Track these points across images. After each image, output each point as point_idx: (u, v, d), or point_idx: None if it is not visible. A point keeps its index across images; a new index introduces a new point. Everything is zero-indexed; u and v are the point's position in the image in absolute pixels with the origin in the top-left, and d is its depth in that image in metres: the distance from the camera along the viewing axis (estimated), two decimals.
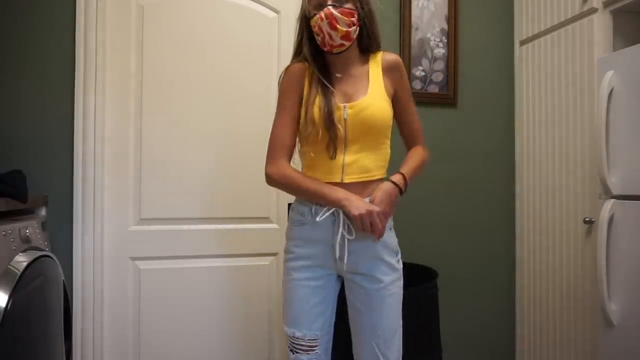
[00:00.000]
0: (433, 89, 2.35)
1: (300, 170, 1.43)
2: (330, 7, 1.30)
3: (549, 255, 2.26)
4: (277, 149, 1.40)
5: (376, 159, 1.39)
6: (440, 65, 2.36)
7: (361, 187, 1.36)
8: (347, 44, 1.34)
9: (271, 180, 1.41)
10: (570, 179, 2.13)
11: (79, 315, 1.87)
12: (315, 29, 1.33)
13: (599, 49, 1.98)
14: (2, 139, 1.81)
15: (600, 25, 1.98)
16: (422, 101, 2.33)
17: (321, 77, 1.36)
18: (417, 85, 2.33)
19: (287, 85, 1.42)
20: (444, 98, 2.37)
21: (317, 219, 1.34)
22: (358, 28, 1.36)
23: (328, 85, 1.36)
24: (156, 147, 2.01)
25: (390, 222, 1.41)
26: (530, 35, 2.38)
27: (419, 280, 1.97)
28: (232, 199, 2.09)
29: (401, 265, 1.42)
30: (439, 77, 2.36)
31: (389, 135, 1.42)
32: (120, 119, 1.97)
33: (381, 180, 1.40)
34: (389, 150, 1.43)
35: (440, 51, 2.36)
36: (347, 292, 1.42)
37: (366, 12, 1.38)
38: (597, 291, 1.87)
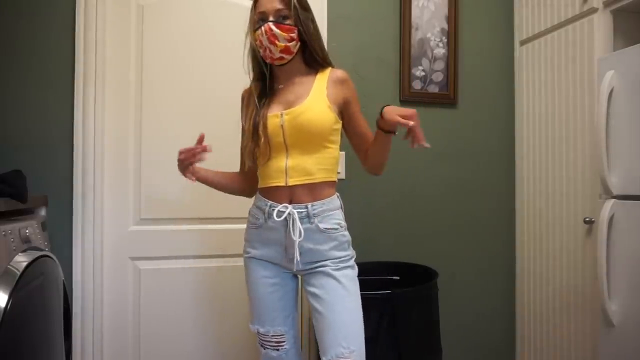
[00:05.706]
0: (433, 89, 2.35)
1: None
2: (270, 23, 1.36)
3: (549, 255, 2.26)
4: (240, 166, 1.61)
5: (317, 162, 1.40)
6: (440, 65, 2.36)
7: (306, 190, 1.39)
8: (287, 57, 1.40)
9: None
10: (570, 179, 2.13)
11: (79, 315, 1.87)
12: (257, 42, 1.40)
13: (599, 49, 1.97)
14: (2, 139, 1.81)
15: (600, 25, 1.98)
16: (422, 101, 2.34)
17: (255, 93, 1.46)
18: (417, 85, 2.33)
19: (242, 110, 1.55)
20: (444, 98, 2.37)
21: (270, 222, 1.40)
22: (299, 43, 1.41)
23: (262, 98, 1.45)
24: (156, 147, 2.01)
25: (343, 223, 1.44)
26: (530, 35, 2.38)
27: (419, 280, 1.97)
28: (232, 199, 2.07)
29: (353, 254, 1.44)
30: (439, 77, 2.36)
31: (334, 139, 1.43)
32: (120, 119, 1.97)
33: (327, 183, 1.42)
34: (336, 154, 1.44)
35: (440, 51, 2.36)
36: (305, 294, 1.43)
37: (305, 29, 1.41)
38: (597, 291, 1.87)
